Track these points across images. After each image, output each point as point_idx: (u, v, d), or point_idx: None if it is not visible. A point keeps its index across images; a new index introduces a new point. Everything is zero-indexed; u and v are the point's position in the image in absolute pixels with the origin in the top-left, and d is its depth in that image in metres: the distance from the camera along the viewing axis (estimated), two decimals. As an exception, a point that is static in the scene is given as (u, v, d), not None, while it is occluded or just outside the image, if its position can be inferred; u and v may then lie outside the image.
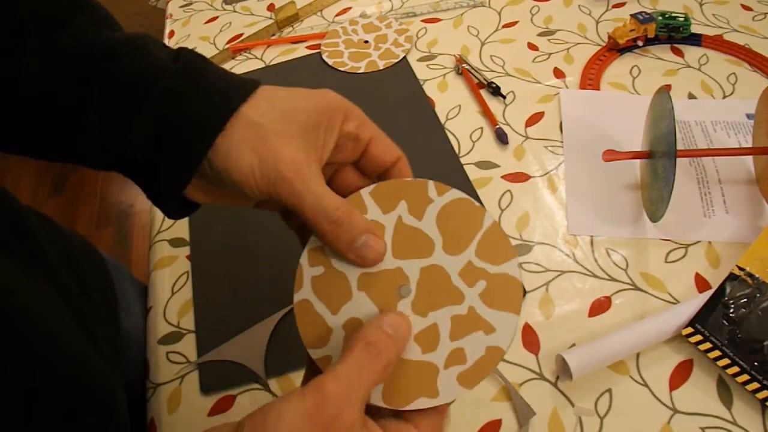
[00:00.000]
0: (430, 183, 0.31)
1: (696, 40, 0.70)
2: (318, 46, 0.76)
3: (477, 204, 0.30)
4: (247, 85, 0.30)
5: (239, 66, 0.76)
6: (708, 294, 0.46)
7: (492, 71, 0.70)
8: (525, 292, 0.50)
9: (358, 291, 0.29)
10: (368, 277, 0.29)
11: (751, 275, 0.47)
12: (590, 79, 0.67)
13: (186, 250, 0.56)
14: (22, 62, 0.29)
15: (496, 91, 0.66)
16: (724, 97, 0.65)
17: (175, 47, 0.32)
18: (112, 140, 0.30)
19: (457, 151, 0.62)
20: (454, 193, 0.30)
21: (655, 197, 0.51)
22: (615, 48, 0.70)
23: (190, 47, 0.32)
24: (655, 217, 0.51)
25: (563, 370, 0.45)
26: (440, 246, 0.29)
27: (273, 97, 0.31)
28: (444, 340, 0.28)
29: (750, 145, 0.58)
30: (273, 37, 0.79)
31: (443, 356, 0.28)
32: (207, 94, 0.30)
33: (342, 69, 0.73)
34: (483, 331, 0.28)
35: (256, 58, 0.77)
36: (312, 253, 0.30)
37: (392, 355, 0.26)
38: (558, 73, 0.69)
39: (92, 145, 0.30)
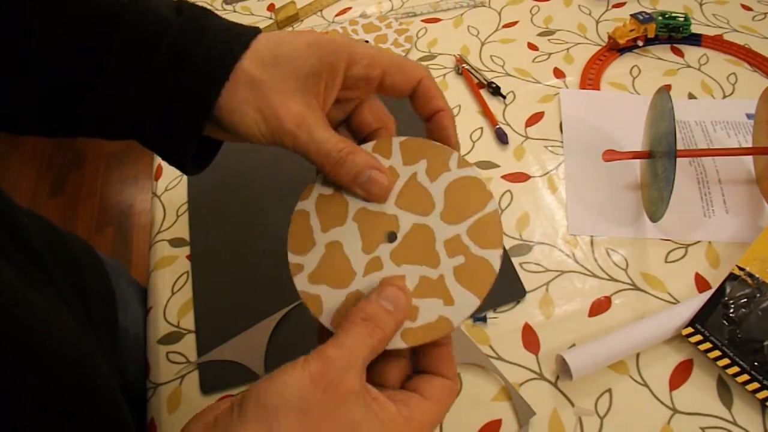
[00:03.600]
0: (455, 154, 0.32)
1: (696, 40, 0.70)
2: (318, 46, 0.76)
3: (488, 189, 0.31)
4: (248, 34, 0.31)
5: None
6: (708, 294, 0.46)
7: (492, 71, 0.70)
8: (526, 294, 0.50)
9: (351, 221, 0.31)
10: (365, 212, 0.31)
11: (751, 275, 0.47)
12: (590, 79, 0.67)
13: (186, 250, 0.56)
14: (25, 33, 0.29)
15: (496, 91, 0.66)
16: (724, 97, 0.65)
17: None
18: (124, 103, 0.31)
19: (457, 151, 0.62)
20: (472, 171, 0.31)
21: (655, 197, 0.51)
22: (615, 48, 0.70)
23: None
24: (655, 217, 0.51)
25: (563, 370, 0.45)
26: (439, 211, 0.31)
27: (275, 46, 0.31)
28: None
29: (750, 145, 0.58)
30: (273, 37, 0.79)
31: None
32: (211, 45, 0.30)
33: (342, 69, 0.73)
34: (443, 301, 0.29)
35: (256, 58, 0.77)
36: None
37: (390, 328, 0.27)
38: (558, 73, 0.69)
39: (104, 110, 0.31)
